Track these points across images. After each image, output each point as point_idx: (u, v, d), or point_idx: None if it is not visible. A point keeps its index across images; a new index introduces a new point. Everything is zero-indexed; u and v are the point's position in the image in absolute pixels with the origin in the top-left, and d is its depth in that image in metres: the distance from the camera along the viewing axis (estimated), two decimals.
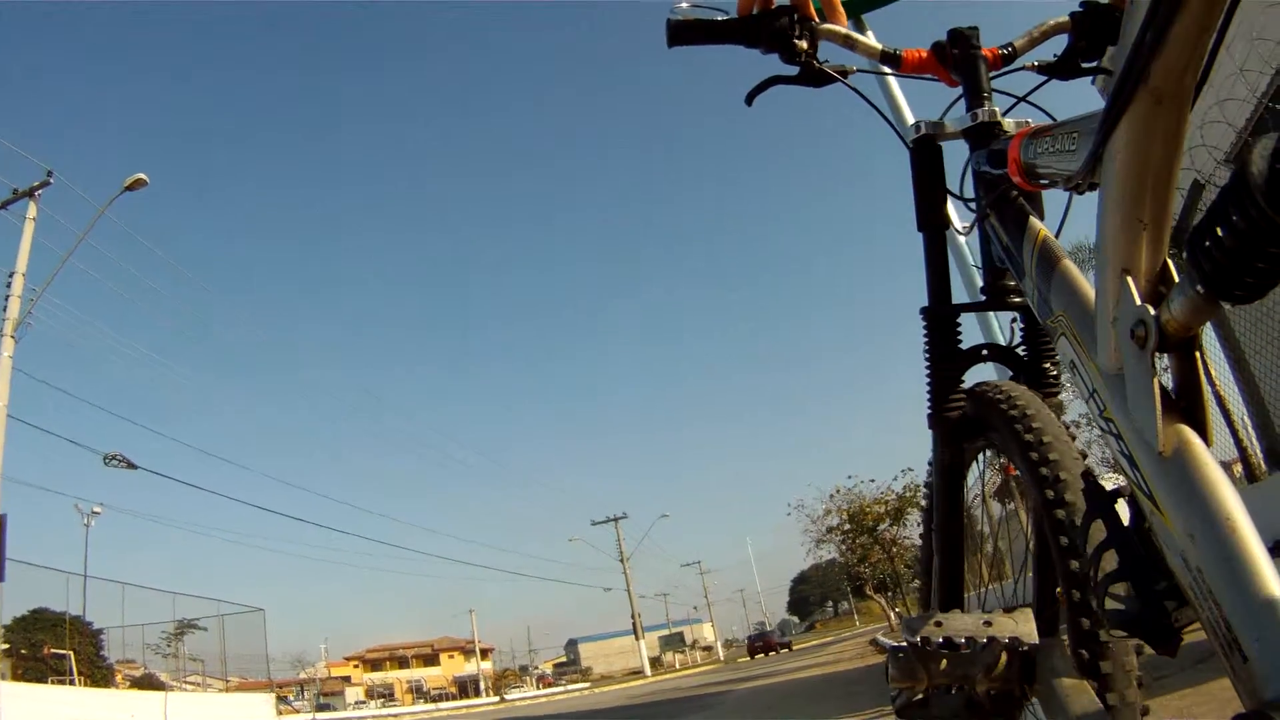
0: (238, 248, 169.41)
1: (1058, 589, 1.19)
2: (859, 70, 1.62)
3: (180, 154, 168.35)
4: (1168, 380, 0.89)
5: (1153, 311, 0.85)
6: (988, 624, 1.35)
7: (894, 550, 25.79)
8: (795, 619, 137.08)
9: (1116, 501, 0.98)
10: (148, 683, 26.07)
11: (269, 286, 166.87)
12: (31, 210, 19.46)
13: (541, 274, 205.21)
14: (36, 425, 28.16)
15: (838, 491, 25.87)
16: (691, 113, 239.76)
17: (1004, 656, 1.25)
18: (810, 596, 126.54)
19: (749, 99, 1.64)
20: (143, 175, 19.52)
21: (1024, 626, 1.30)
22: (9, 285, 18.59)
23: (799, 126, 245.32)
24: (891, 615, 28.20)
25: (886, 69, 1.62)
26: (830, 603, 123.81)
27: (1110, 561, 0.95)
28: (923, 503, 1.82)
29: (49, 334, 44.97)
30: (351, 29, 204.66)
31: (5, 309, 18.39)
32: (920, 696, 1.32)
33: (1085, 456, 1.24)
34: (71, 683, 22.22)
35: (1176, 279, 0.83)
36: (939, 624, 1.39)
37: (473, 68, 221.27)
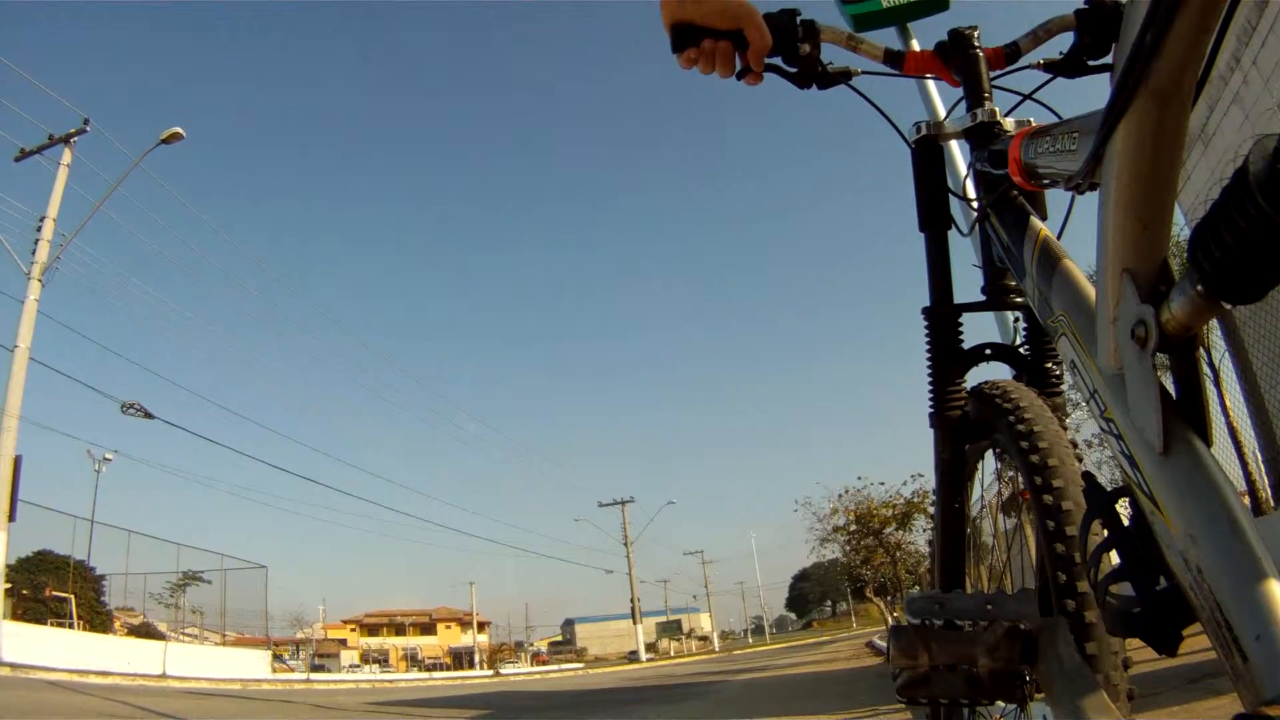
0: (262, 208, 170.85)
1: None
2: (863, 72, 1.62)
3: (216, 111, 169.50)
4: (1168, 380, 0.89)
5: (1153, 311, 0.85)
6: (989, 604, 1.36)
7: (898, 554, 25.63)
8: (793, 615, 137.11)
9: (1116, 501, 0.98)
10: (144, 631, 26.22)
11: (292, 247, 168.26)
12: (66, 156, 19.57)
13: (565, 253, 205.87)
14: (57, 369, 28.27)
15: (846, 492, 25.71)
16: (711, 107, 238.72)
17: (1005, 636, 1.25)
18: (809, 594, 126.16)
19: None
20: (179, 129, 19.57)
21: (1026, 607, 1.30)
22: (39, 230, 18.74)
23: (810, 126, 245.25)
24: (889, 619, 28.11)
25: (890, 70, 1.62)
26: (829, 602, 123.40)
27: (1110, 562, 0.95)
28: (931, 505, 1.83)
29: (76, 280, 45.23)
30: None
31: (34, 253, 18.54)
32: (922, 675, 1.33)
33: (1081, 460, 1.24)
34: (71, 626, 22.32)
35: (1177, 279, 0.83)
36: (940, 604, 1.40)
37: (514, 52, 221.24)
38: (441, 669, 53.50)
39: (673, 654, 73.27)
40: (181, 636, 27.14)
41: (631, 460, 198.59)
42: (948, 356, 1.59)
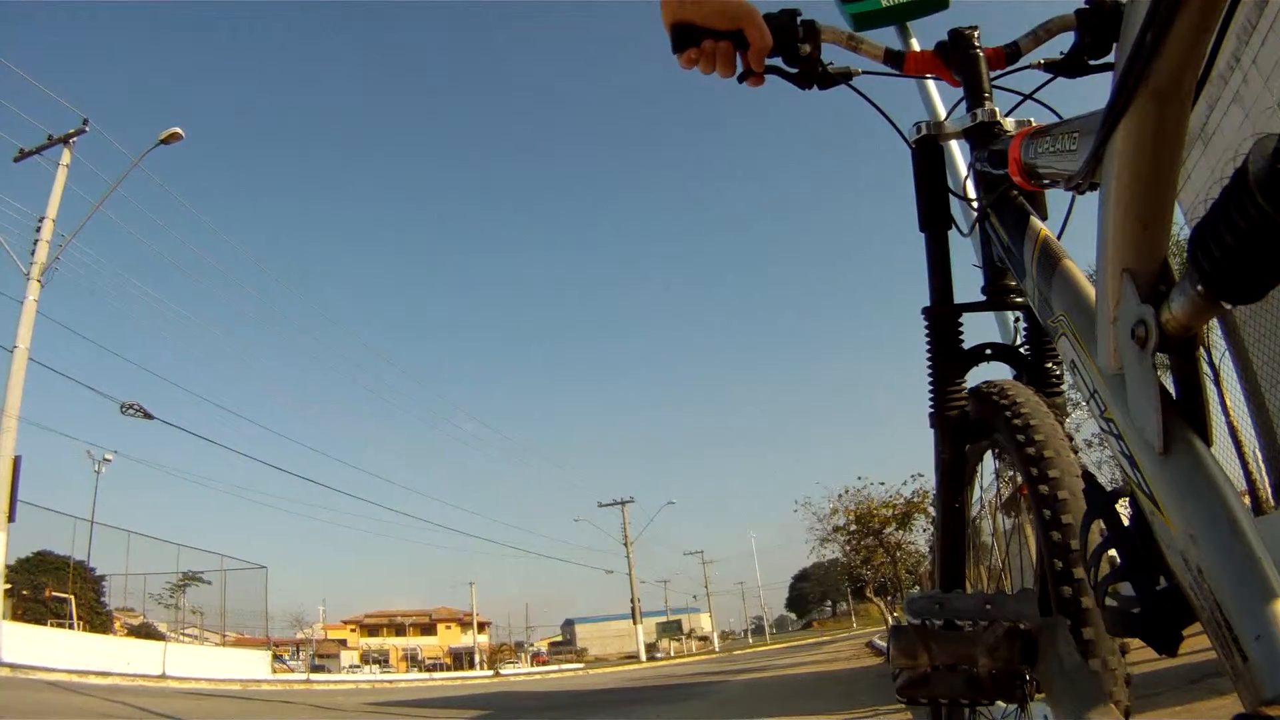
0: (262, 208, 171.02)
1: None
2: (863, 72, 1.63)
3: (216, 111, 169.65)
4: (1168, 380, 0.89)
5: (1153, 311, 0.85)
6: (989, 604, 1.35)
7: (898, 554, 25.65)
8: (793, 615, 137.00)
9: (1117, 501, 0.98)
10: (144, 631, 26.23)
11: (291, 247, 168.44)
12: (65, 157, 19.55)
13: (565, 253, 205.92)
14: (57, 370, 28.34)
15: (846, 492, 25.74)
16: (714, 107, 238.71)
17: (1005, 636, 1.25)
18: (809, 594, 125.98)
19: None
20: (178, 129, 19.53)
21: (1026, 607, 1.30)
22: (38, 230, 18.73)
23: (810, 126, 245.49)
24: (889, 619, 28.14)
25: (890, 70, 1.62)
26: (829, 602, 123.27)
27: (1110, 562, 0.96)
28: (931, 506, 1.83)
29: (75, 280, 45.27)
30: None
31: (33, 253, 18.53)
32: (922, 675, 1.33)
33: (1077, 453, 1.25)
34: (70, 626, 22.28)
35: (1177, 279, 0.83)
36: (940, 604, 1.40)
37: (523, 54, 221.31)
38: (441, 669, 53.43)
39: (673, 654, 73.21)
40: (181, 637, 27.14)
41: (631, 460, 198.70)
42: (948, 356, 1.59)
